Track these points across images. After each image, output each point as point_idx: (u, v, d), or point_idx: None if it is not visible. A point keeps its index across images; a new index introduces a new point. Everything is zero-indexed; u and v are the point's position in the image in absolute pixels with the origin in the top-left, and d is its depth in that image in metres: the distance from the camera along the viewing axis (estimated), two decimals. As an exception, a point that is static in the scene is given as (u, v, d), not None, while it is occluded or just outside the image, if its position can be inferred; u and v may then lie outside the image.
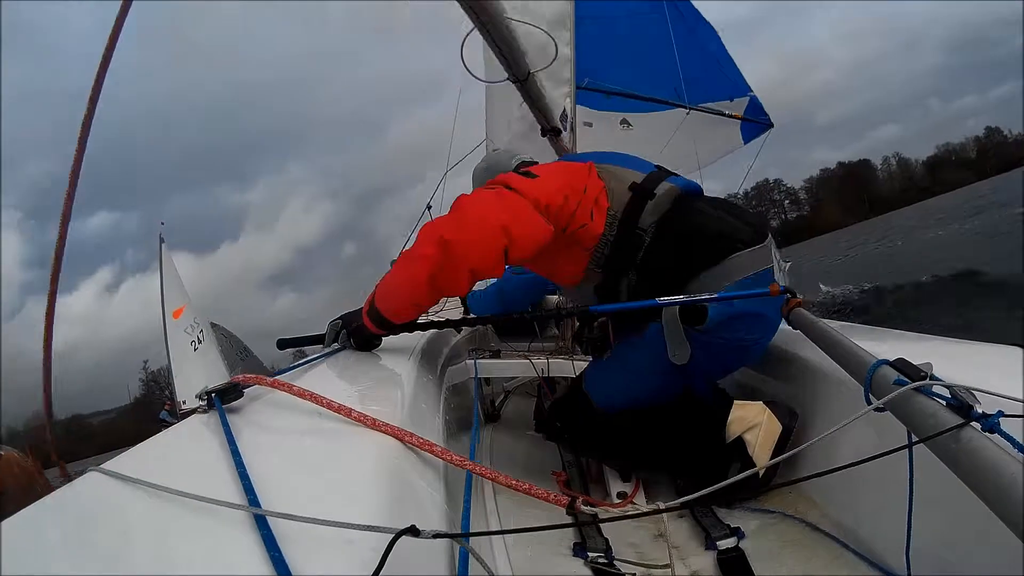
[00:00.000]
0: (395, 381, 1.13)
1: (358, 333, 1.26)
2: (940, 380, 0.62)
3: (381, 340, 1.30)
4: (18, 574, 0.41)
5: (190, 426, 0.72)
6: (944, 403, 0.59)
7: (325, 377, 1.06)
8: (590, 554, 1.15)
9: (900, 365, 0.67)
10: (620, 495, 1.42)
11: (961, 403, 0.57)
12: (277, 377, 0.84)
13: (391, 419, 0.75)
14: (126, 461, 0.59)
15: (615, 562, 1.14)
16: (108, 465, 0.58)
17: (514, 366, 2.11)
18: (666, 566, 1.12)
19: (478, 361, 1.96)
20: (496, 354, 2.27)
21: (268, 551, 0.44)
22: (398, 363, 1.27)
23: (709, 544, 1.16)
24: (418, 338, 1.68)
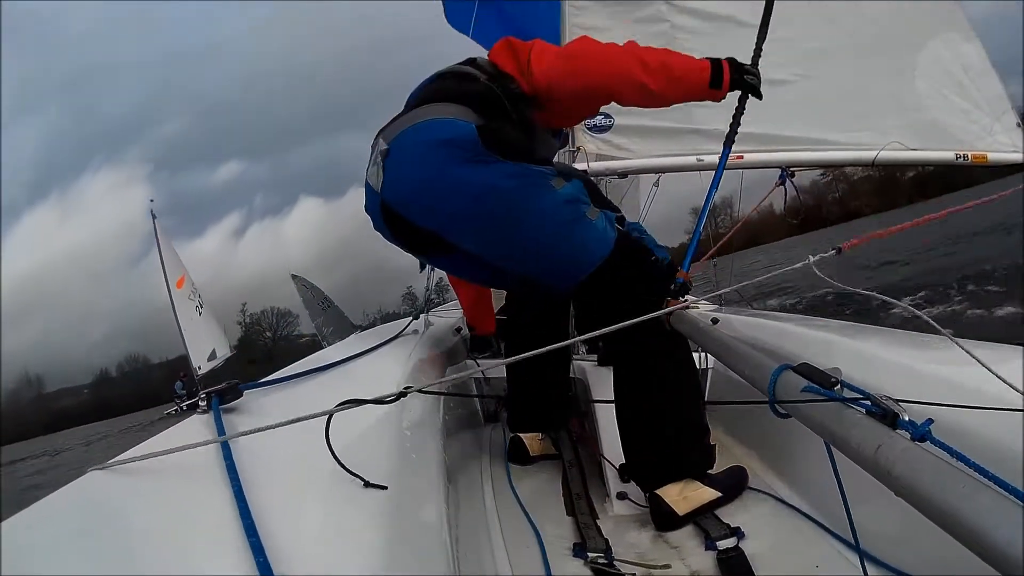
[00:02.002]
0: (394, 381, 1.13)
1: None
2: (854, 386, 0.58)
3: None
4: (18, 574, 0.40)
5: (190, 426, 0.72)
6: (864, 411, 0.54)
7: (324, 377, 1.06)
8: (590, 554, 1.15)
9: (806, 371, 0.63)
10: (620, 495, 1.42)
11: (885, 411, 0.53)
12: (277, 376, 0.84)
13: (390, 420, 0.75)
14: (125, 460, 0.59)
15: (615, 562, 1.14)
16: (107, 465, 0.58)
17: None
18: (666, 566, 1.12)
19: (478, 360, 1.96)
20: (496, 354, 2.27)
21: (254, 555, 0.44)
22: (397, 363, 1.27)
23: (709, 544, 1.16)
24: (417, 338, 1.68)
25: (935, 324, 0.82)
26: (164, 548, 0.46)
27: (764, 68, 1.38)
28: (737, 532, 1.17)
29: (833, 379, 0.59)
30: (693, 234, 1.43)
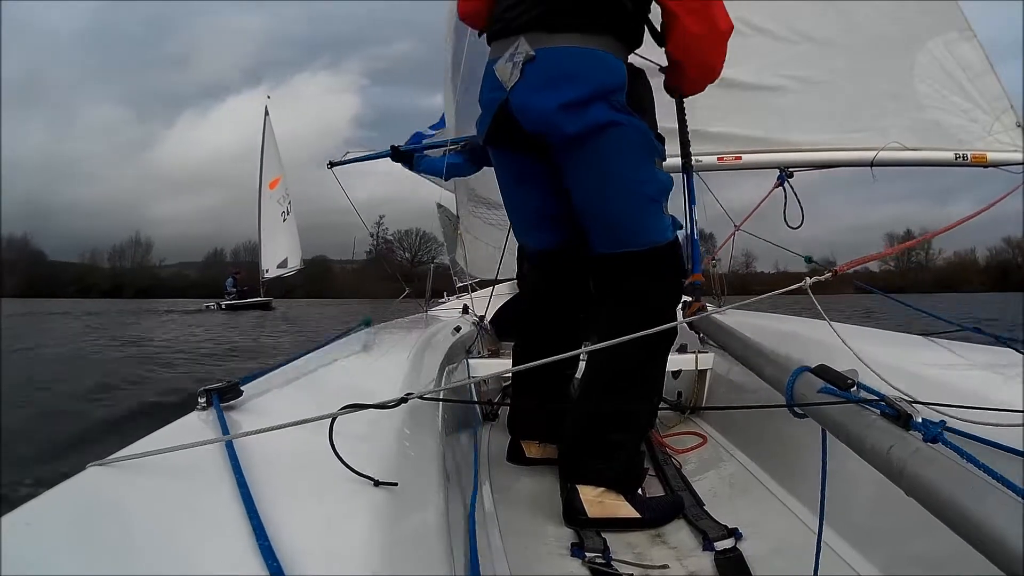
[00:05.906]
0: (393, 381, 1.13)
1: None
2: (869, 388, 0.59)
3: None
4: (17, 572, 0.40)
5: (189, 422, 0.72)
6: (878, 412, 0.55)
7: (323, 375, 1.06)
8: (588, 554, 1.15)
9: (822, 372, 0.64)
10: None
11: (899, 413, 0.54)
12: (277, 371, 0.84)
13: (390, 419, 0.75)
14: (125, 456, 0.59)
15: (612, 562, 1.14)
16: (107, 461, 0.58)
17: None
18: (664, 567, 1.12)
19: (476, 360, 1.96)
20: (494, 353, 2.27)
21: (260, 550, 0.44)
22: (396, 362, 1.27)
23: (707, 545, 1.16)
24: (417, 337, 1.68)
25: (820, 308, 0.87)
26: (169, 546, 0.46)
27: (763, 70, 1.39)
28: (735, 533, 1.18)
29: (849, 380, 0.60)
30: (691, 238, 1.44)
